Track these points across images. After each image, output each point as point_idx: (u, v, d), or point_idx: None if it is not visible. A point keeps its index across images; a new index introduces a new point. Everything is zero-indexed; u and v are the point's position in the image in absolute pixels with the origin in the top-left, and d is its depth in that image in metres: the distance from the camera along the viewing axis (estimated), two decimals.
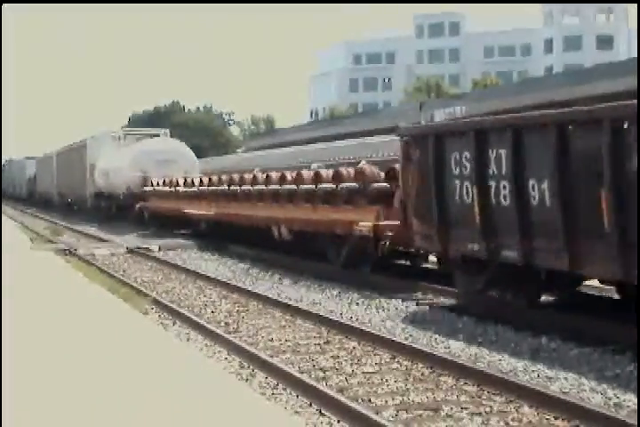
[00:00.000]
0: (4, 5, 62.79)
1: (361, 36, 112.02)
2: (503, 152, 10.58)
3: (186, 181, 27.49)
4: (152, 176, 32.00)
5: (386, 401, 7.52)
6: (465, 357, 9.22)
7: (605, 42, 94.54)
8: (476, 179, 11.03)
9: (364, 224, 14.85)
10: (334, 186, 16.64)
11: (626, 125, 8.87)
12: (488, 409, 7.20)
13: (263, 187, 20.11)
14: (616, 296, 11.82)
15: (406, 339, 10.19)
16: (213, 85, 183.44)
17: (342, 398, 7.26)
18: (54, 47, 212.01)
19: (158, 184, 30.24)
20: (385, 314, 12.18)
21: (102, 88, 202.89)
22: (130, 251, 22.89)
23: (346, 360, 9.20)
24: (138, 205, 31.30)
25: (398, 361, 9.11)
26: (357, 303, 13.25)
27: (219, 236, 23.80)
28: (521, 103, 31.42)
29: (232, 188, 22.21)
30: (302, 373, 8.48)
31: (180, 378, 7.28)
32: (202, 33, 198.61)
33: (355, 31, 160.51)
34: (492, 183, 10.82)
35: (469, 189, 11.23)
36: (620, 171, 8.89)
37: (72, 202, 46.98)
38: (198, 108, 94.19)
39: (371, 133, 36.86)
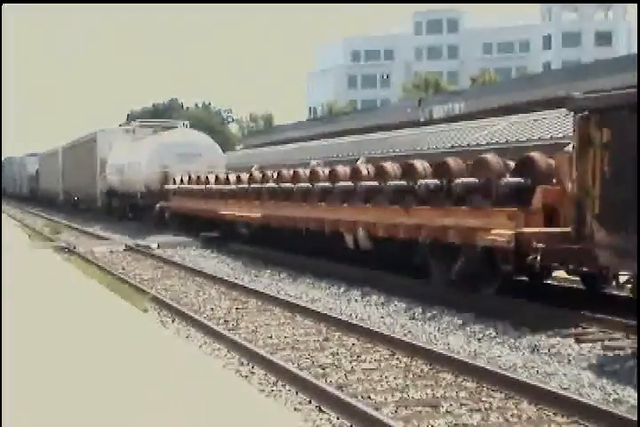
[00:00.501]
0: (4, 5, 62.70)
1: (360, 34, 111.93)
2: None
3: (218, 177, 23.80)
4: (173, 172, 28.67)
5: (385, 398, 7.53)
6: (464, 353, 9.23)
7: (604, 38, 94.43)
8: None
9: (501, 232, 11.17)
10: (438, 182, 13.05)
11: None
12: (487, 405, 7.21)
13: (328, 184, 16.74)
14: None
15: (405, 335, 10.20)
16: (212, 83, 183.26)
17: (342, 395, 7.26)
18: (54, 47, 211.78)
19: (183, 181, 26.59)
20: (384, 311, 12.19)
21: (101, 87, 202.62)
22: (129, 248, 22.88)
23: (345, 357, 9.20)
24: (158, 205, 27.89)
25: (398, 358, 9.11)
26: (357, 300, 13.25)
27: (266, 243, 20.52)
28: (520, 99, 31.46)
29: (284, 185, 18.82)
30: (302, 369, 8.49)
31: (179, 375, 7.28)
32: (201, 31, 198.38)
33: (354, 30, 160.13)
34: None
35: None
36: None
37: (79, 201, 43.82)
38: (197, 105, 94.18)
39: (370, 130, 36.88)
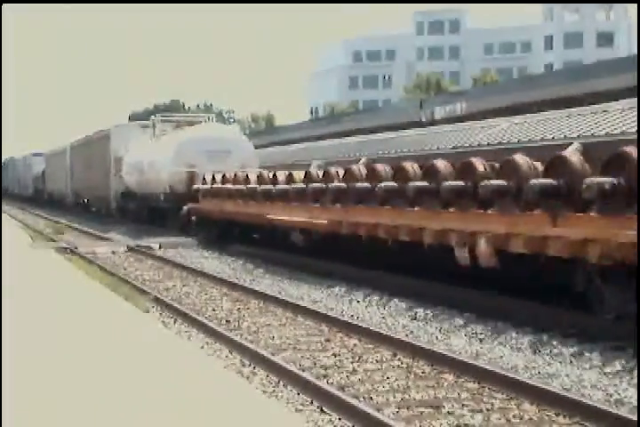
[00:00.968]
0: (4, 5, 62.68)
1: (361, 34, 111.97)
2: None
3: (262, 175, 20.50)
4: (201, 171, 25.50)
5: (387, 399, 7.53)
6: (466, 354, 9.23)
7: (605, 39, 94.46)
8: None
9: None
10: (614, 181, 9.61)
11: None
12: (489, 406, 7.20)
13: (425, 184, 13.04)
14: None
15: (407, 336, 10.20)
16: (213, 83, 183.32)
17: (343, 396, 7.26)
18: (54, 47, 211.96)
19: (216, 180, 23.26)
20: (386, 311, 12.18)
21: (101, 87, 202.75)
22: (130, 249, 22.89)
23: (347, 358, 9.20)
24: (186, 208, 24.49)
25: (399, 358, 9.11)
26: (358, 301, 13.25)
27: (331, 256, 17.09)
28: (521, 100, 31.43)
29: (358, 185, 15.01)
30: (303, 370, 8.48)
31: (180, 376, 7.27)
32: (202, 32, 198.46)
33: (355, 30, 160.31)
34: None
35: None
36: None
37: (89, 202, 41.48)
38: (198, 105, 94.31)
39: (371, 131, 36.83)
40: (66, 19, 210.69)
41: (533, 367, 8.58)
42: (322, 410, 7.23)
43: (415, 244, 13.13)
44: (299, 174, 18.28)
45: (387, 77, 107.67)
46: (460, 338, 10.16)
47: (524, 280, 11.68)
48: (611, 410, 6.71)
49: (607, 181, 9.62)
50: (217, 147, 26.82)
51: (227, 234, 22.75)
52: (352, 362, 8.99)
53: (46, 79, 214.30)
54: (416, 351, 9.14)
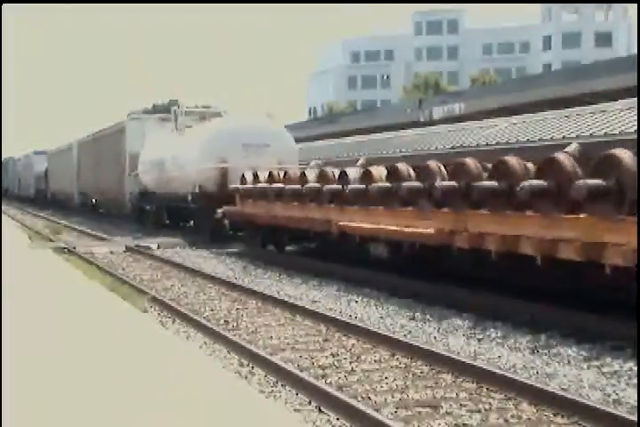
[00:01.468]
0: (4, 5, 62.60)
1: (360, 35, 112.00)
2: None
3: (325, 173, 17.02)
4: (235, 167, 22.43)
5: (385, 398, 7.53)
6: (464, 354, 9.23)
7: (604, 39, 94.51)
8: None
9: None
10: None
11: None
12: (487, 406, 7.20)
13: (600, 182, 9.78)
14: None
15: (405, 336, 10.20)
16: (212, 84, 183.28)
17: (342, 396, 7.26)
18: (54, 47, 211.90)
19: (258, 179, 20.15)
20: (384, 311, 12.19)
21: (101, 87, 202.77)
22: (129, 249, 22.88)
23: (345, 358, 9.20)
24: (221, 211, 21.26)
25: (398, 358, 9.11)
26: (357, 301, 13.25)
27: (440, 278, 13.15)
28: (520, 100, 31.47)
29: (483, 185, 11.59)
30: (302, 370, 8.48)
31: (178, 376, 7.27)
32: (201, 32, 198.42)
33: (354, 30, 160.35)
34: None
35: None
36: None
37: (98, 204, 38.39)
38: (196, 106, 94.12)
39: (370, 131, 36.81)
40: (66, 19, 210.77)
41: (532, 367, 8.58)
42: (320, 410, 7.22)
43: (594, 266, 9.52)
44: (378, 171, 14.97)
45: (385, 77, 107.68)
46: (458, 338, 10.16)
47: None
48: (609, 410, 6.72)
49: None
50: (253, 140, 23.26)
51: (273, 241, 19.86)
52: (350, 362, 8.99)
53: (46, 79, 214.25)
54: (414, 351, 9.14)
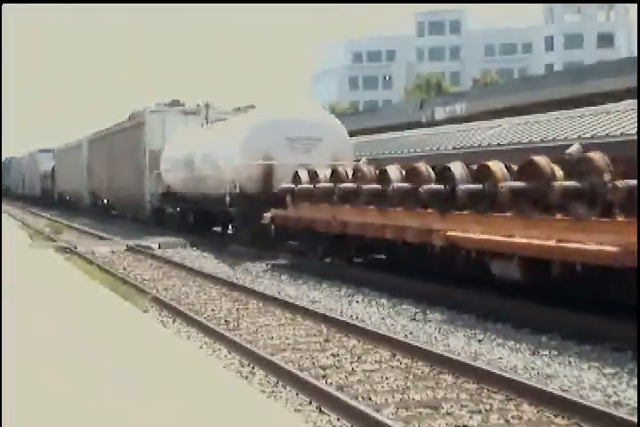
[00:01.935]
0: (4, 5, 62.59)
1: (361, 35, 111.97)
2: None
3: (418, 169, 13.59)
4: (282, 164, 19.60)
5: (386, 399, 7.52)
6: (465, 354, 9.22)
7: (606, 39, 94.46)
8: None
9: None
10: None
11: None
12: (488, 407, 7.19)
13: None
14: None
15: (406, 336, 10.19)
16: (213, 84, 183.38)
17: (342, 396, 7.26)
18: (54, 47, 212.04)
19: (318, 178, 17.12)
20: (385, 312, 12.18)
21: (101, 87, 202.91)
22: (130, 249, 22.88)
23: (346, 358, 9.19)
24: (270, 215, 18.08)
25: (398, 359, 9.11)
26: (357, 301, 13.24)
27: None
28: (522, 101, 31.44)
29: None
30: (302, 371, 8.48)
31: (179, 376, 7.27)
32: (202, 32, 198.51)
33: (355, 31, 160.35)
34: None
35: None
36: None
37: (110, 204, 35.92)
38: (198, 105, 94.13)
39: (372, 131, 36.78)
40: (66, 19, 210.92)
41: (532, 368, 8.57)
42: (321, 410, 7.22)
43: None
44: (498, 166, 11.77)
45: (387, 78, 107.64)
46: (459, 339, 10.15)
47: None
48: (609, 411, 6.71)
49: None
50: (303, 133, 20.08)
51: (337, 252, 16.78)
52: (351, 362, 8.98)
53: (46, 79, 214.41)
54: (415, 352, 9.13)
